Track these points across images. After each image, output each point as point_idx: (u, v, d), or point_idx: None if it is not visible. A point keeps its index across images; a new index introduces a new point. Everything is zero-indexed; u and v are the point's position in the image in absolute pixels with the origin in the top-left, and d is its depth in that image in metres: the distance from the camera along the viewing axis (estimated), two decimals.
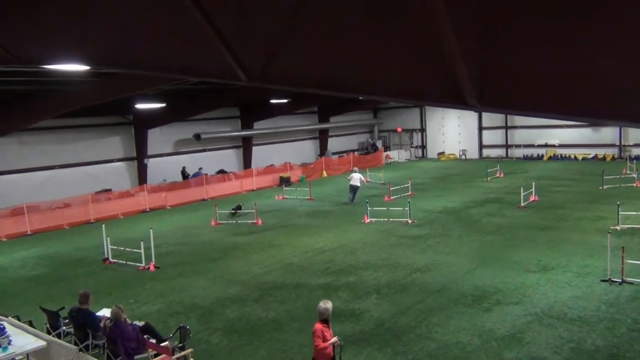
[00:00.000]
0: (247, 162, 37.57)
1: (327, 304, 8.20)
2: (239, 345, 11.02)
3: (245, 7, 4.00)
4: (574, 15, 2.60)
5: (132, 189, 29.90)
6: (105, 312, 10.32)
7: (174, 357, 9.11)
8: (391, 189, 27.69)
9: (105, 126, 30.49)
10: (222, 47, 4.20)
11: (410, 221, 21.39)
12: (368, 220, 21.92)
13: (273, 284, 14.81)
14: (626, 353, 9.72)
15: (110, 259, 17.87)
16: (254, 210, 23.46)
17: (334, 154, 44.00)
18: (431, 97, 3.19)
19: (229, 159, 37.02)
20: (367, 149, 47.25)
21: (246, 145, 37.90)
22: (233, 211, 24.90)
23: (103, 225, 20.00)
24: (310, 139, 44.01)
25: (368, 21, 3.34)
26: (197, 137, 33.63)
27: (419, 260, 16.21)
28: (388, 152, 46.62)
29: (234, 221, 23.63)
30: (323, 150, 43.72)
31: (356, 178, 26.47)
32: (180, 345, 9.79)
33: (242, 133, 37.59)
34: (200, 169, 33.51)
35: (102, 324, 9.53)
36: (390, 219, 21.80)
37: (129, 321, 9.49)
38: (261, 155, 38.32)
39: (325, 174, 38.31)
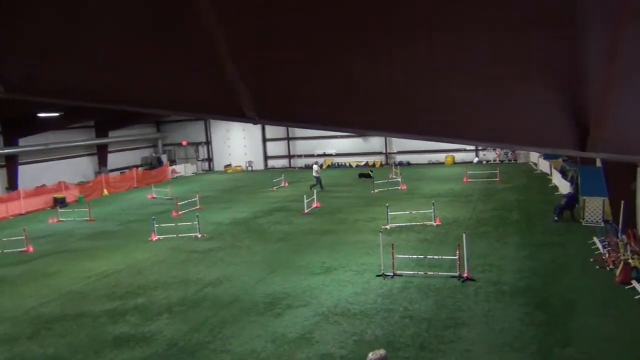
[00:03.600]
0: (12, 183, 33.42)
1: (376, 354, 6.39)
2: None
3: (3, 13, 3.56)
4: (342, 33, 2.82)
5: None
6: None
7: None
8: (179, 203, 27.10)
9: None
10: None
11: (199, 235, 21.16)
12: (156, 238, 21.12)
13: (50, 316, 13.40)
14: (400, 338, 10.86)
15: None
16: (23, 237, 20.97)
17: (114, 170, 41.49)
18: (211, 111, 3.19)
19: None
20: (151, 164, 45.54)
21: (10, 165, 33.72)
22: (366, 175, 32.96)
23: None
24: (87, 155, 40.83)
25: (146, 34, 3.22)
26: None
27: (210, 274, 16.10)
28: (174, 167, 45.58)
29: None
30: (101, 167, 40.93)
31: (315, 169, 32.61)
32: None
33: (4, 151, 33.34)
34: None
35: None
36: (179, 235, 21.31)
37: None
38: (30, 175, 34.40)
39: (106, 192, 35.96)
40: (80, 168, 39.52)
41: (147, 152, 47.45)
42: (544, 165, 33.84)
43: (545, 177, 31.64)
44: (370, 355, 6.41)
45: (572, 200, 20.59)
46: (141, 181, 39.23)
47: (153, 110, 3.43)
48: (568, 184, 23.52)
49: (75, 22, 3.35)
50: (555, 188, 27.39)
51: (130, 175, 39.58)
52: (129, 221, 25.75)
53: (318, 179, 31.31)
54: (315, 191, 27.89)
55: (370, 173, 34.46)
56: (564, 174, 26.45)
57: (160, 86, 3.30)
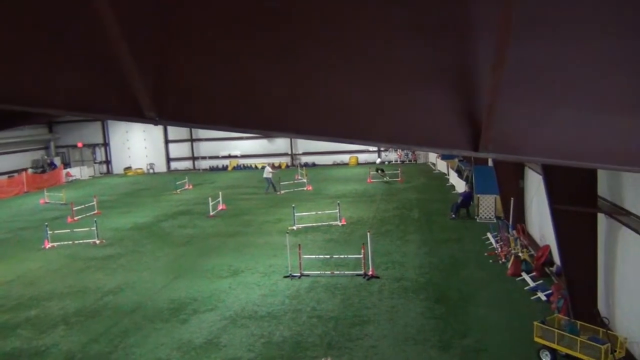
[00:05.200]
0: None
1: None
2: None
3: None
4: (244, 33, 2.80)
5: None
6: None
7: None
8: (74, 208, 25.65)
9: None
10: None
11: (98, 241, 20.17)
12: (49, 245, 19.87)
13: None
14: (308, 338, 10.95)
15: None
16: None
17: (0, 174, 38.51)
18: (107, 111, 3.04)
19: None
20: (43, 167, 42.75)
21: None
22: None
23: None
24: None
25: (34, 27, 3.02)
26: None
27: (110, 281, 15.39)
28: (68, 170, 43.10)
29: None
30: None
31: (267, 171, 31.09)
32: None
33: None
34: None
35: None
36: (76, 242, 20.18)
37: None
38: None
39: None
40: None
41: (38, 155, 44.51)
42: (441, 166, 35.46)
43: (443, 177, 33.18)
44: None
45: (467, 198, 21.76)
46: (32, 185, 36.74)
47: (41, 110, 3.23)
48: (464, 183, 24.82)
49: None
50: (452, 187, 28.81)
51: (20, 180, 36.94)
52: (19, 228, 24.04)
53: (269, 180, 30.46)
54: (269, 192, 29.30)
55: (381, 172, 33.24)
56: (460, 173, 27.87)
57: (50, 84, 3.10)
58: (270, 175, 30.76)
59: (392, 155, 43.47)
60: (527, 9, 2.64)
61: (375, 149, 43.31)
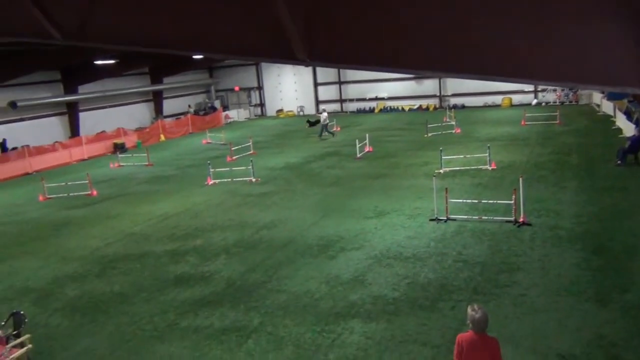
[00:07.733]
0: (74, 130, 34.73)
1: (475, 311, 5.75)
2: (82, 324, 10.41)
3: None
4: None
5: None
6: None
7: (8, 345, 8.35)
8: (233, 149, 27.57)
9: None
10: (30, 2, 3.75)
11: (254, 180, 21.55)
12: (212, 182, 21.67)
13: (115, 256, 14.12)
14: (453, 282, 10.89)
15: None
16: (87, 181, 21.95)
17: (168, 116, 42.33)
18: (262, 53, 3.16)
19: (52, 127, 33.83)
20: (205, 110, 46.20)
21: (71, 112, 34.92)
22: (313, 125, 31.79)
23: None
24: (143, 101, 41.76)
25: None
26: (13, 105, 30.20)
27: (265, 217, 16.46)
28: (227, 112, 46.10)
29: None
30: (157, 113, 41.81)
31: (324, 117, 31.97)
32: (15, 332, 8.98)
33: (66, 98, 34.46)
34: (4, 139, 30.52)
35: None
36: (234, 179, 21.77)
37: None
38: (90, 121, 35.61)
39: (163, 137, 36.90)
40: (136, 114, 40.57)
41: (200, 98, 48.08)
42: (607, 107, 32.27)
43: (608, 119, 30.23)
44: (469, 309, 5.87)
45: (636, 143, 19.65)
46: (195, 126, 39.97)
47: (204, 54, 3.44)
48: (633, 126, 22.43)
49: None
50: (619, 130, 26.16)
51: (185, 121, 40.35)
52: (186, 166, 26.46)
53: (324, 126, 31.56)
54: (323, 135, 29.84)
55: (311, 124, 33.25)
56: (628, 115, 25.19)
57: (212, 30, 3.28)
58: (324, 122, 31.51)
59: (550, 96, 40.32)
60: None
61: (531, 88, 40.47)
